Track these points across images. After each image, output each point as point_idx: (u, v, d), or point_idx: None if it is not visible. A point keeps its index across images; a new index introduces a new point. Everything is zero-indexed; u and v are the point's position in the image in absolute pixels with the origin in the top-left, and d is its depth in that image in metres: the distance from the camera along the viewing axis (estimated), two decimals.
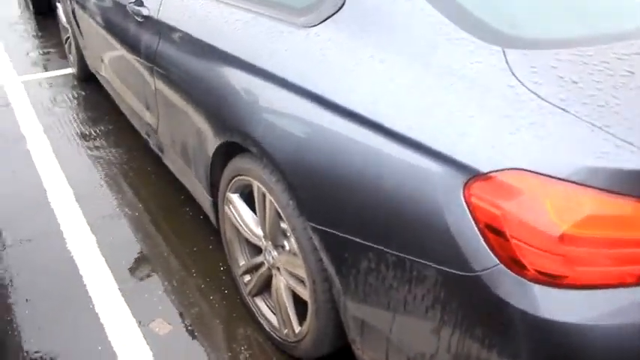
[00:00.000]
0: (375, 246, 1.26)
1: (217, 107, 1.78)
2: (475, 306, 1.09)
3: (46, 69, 4.59)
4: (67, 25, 4.16)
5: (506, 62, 1.15)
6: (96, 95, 4.01)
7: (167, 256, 2.36)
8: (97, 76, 3.62)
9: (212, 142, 1.86)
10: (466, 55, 1.19)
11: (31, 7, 6.38)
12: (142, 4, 2.34)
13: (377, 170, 1.23)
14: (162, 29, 2.19)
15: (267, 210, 1.69)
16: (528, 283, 1.02)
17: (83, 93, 4.07)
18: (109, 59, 3.07)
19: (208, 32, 1.89)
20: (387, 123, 1.21)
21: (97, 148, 3.28)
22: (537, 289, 1.01)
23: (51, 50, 5.08)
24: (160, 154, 2.62)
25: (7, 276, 2.27)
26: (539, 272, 1.01)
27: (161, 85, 2.25)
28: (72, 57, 4.29)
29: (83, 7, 3.38)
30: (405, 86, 1.23)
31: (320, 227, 1.40)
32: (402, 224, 1.19)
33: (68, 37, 4.27)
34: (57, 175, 2.99)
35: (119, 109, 3.28)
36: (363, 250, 1.30)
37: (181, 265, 2.31)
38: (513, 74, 1.13)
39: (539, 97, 1.08)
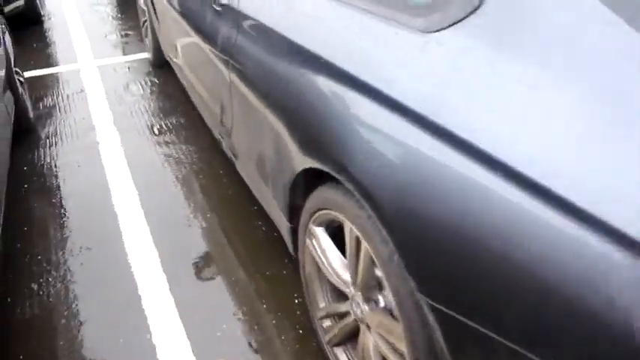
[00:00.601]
0: (521, 351, 0.89)
1: (303, 120, 1.44)
2: None
3: (122, 53, 4.43)
4: (145, 8, 3.96)
5: None
6: (170, 84, 3.80)
7: (235, 280, 2.07)
8: (171, 63, 3.38)
9: (295, 163, 1.53)
10: None
11: None
12: None
13: (529, 242, 0.85)
14: (241, 20, 1.87)
15: (361, 257, 1.34)
16: None
17: (157, 81, 3.87)
18: (183, 47, 2.81)
19: (297, 28, 1.54)
20: (544, 180, 0.83)
21: (166, 143, 3.04)
22: None
23: (129, 33, 4.93)
24: (233, 159, 2.33)
25: (62, 287, 2.06)
26: None
27: (238, 84, 1.94)
28: (148, 42, 4.10)
29: None
30: (569, 130, 0.84)
31: (436, 305, 1.04)
32: (567, 329, 0.81)
33: (145, 21, 4.08)
34: (123, 174, 2.77)
35: (192, 101, 3.03)
36: (501, 351, 0.93)
37: (251, 291, 2.01)
38: None
39: None
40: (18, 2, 4.73)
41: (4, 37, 3.06)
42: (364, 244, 1.28)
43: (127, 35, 4.88)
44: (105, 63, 4.22)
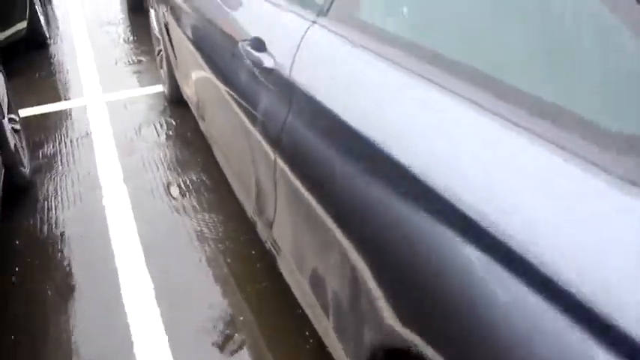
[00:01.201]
0: None
1: (409, 279, 0.92)
2: None
3: (133, 85, 3.94)
4: (159, 37, 3.47)
5: None
6: (187, 126, 3.29)
7: None
8: (190, 105, 2.87)
9: (378, 335, 1.01)
10: None
11: (125, 3, 5.84)
12: (262, 48, 1.51)
13: None
14: (296, 96, 1.35)
15: None
16: None
17: (173, 122, 3.36)
18: (207, 99, 2.30)
19: (384, 128, 1.01)
20: None
21: (185, 210, 2.53)
22: None
23: (142, 59, 4.44)
24: (272, 252, 1.81)
25: None
26: None
27: (287, 175, 1.42)
28: (162, 74, 3.60)
29: (178, 24, 2.63)
30: None
31: None
32: None
33: (160, 51, 3.58)
34: (135, 257, 2.26)
35: (214, 154, 2.51)
36: None
37: None
38: None
39: None
40: (19, 25, 4.26)
41: None
42: None
43: (139, 62, 4.38)
44: (115, 98, 3.73)
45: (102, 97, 3.74)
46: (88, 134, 3.25)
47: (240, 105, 1.73)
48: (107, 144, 3.12)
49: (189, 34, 2.38)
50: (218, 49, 1.95)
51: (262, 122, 1.55)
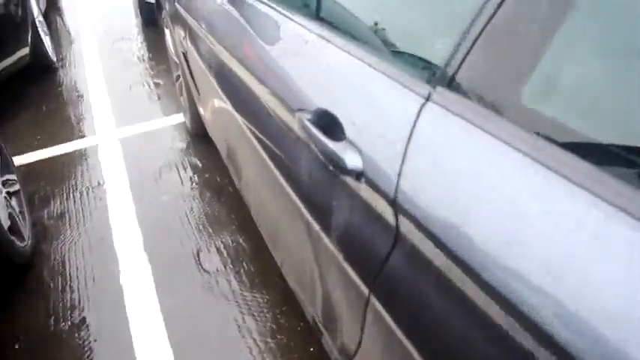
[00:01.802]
0: None
1: None
2: None
3: (151, 116, 3.43)
4: (177, 61, 2.96)
5: None
6: (216, 169, 2.78)
7: None
8: (217, 145, 2.35)
9: None
10: None
11: (139, 16, 5.34)
12: (337, 131, 0.97)
13: None
14: (408, 219, 0.81)
15: None
16: None
17: (199, 163, 2.85)
18: (242, 159, 1.78)
19: None
20: None
21: (222, 290, 2.02)
22: None
23: (159, 82, 3.94)
24: None
25: None
26: None
27: (385, 321, 0.90)
28: (183, 101, 3.10)
29: (200, 57, 2.10)
30: None
31: None
32: None
33: (179, 77, 3.08)
34: (162, 353, 1.77)
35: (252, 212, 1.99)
36: None
37: None
38: None
39: None
40: (20, 53, 3.78)
41: None
42: None
43: (157, 85, 3.88)
44: (130, 133, 3.23)
45: (115, 133, 3.25)
46: (100, 184, 2.76)
47: (302, 200, 1.19)
48: (122, 197, 2.63)
49: (217, 76, 1.85)
50: (258, 107, 1.41)
51: (342, 240, 1.01)
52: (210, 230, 2.35)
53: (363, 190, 0.91)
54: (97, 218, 2.51)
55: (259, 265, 2.13)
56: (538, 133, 0.65)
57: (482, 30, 0.75)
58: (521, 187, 0.64)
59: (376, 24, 1.02)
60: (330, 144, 0.95)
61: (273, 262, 1.76)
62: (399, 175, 0.82)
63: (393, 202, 0.83)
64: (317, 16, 1.20)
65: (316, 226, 1.12)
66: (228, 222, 2.40)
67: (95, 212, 2.55)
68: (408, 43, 0.94)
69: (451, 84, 0.79)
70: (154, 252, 2.25)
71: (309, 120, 1.04)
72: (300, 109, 1.10)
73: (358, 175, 0.91)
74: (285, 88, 1.21)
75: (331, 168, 0.98)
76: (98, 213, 2.54)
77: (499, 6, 0.73)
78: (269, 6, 1.40)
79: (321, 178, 1.04)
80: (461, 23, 0.78)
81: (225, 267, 2.14)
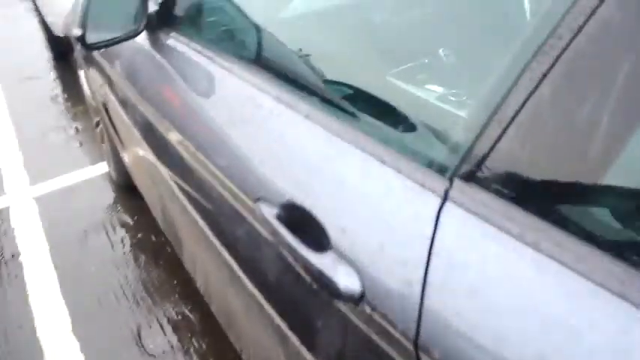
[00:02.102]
0: None
1: None
2: None
3: (69, 166, 3.06)
4: (95, 105, 2.64)
5: None
6: (149, 227, 2.46)
7: None
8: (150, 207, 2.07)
9: None
10: None
11: (50, 50, 4.90)
12: (316, 233, 0.75)
13: None
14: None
15: None
16: None
17: (129, 221, 2.53)
18: (186, 237, 1.51)
19: None
20: None
21: None
22: None
23: (77, 126, 3.56)
24: None
25: None
26: None
27: None
28: (105, 149, 2.78)
29: (126, 113, 1.81)
30: None
31: None
32: None
33: (99, 122, 2.76)
34: None
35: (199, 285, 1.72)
36: None
37: None
38: None
39: None
40: None
41: None
42: None
43: (76, 131, 3.50)
44: (47, 189, 2.86)
45: (29, 192, 2.87)
46: (14, 257, 2.39)
47: (273, 307, 0.95)
48: (43, 271, 2.28)
49: (148, 141, 1.58)
50: (203, 184, 1.16)
51: None
52: (150, 302, 2.06)
53: (365, 319, 0.69)
54: (14, 300, 2.15)
55: (211, 340, 1.86)
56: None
57: (521, 107, 0.55)
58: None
59: (366, 93, 0.81)
60: (313, 257, 0.72)
61: (219, 338, 1.50)
62: (421, 304, 0.61)
63: (415, 342, 0.62)
64: (279, 73, 0.97)
65: (296, 342, 0.89)
66: (169, 289, 2.11)
67: (10, 292, 2.19)
68: (416, 121, 0.74)
69: (474, 177, 0.59)
70: (86, 337, 1.93)
71: (276, 217, 0.81)
72: (260, 199, 0.87)
73: (357, 300, 0.68)
74: (241, 169, 0.97)
75: (315, 286, 0.75)
76: (14, 293, 2.18)
77: (544, 76, 0.53)
78: (220, 65, 1.14)
79: (299, 292, 0.81)
80: (491, 96, 0.58)
81: (171, 347, 1.86)
